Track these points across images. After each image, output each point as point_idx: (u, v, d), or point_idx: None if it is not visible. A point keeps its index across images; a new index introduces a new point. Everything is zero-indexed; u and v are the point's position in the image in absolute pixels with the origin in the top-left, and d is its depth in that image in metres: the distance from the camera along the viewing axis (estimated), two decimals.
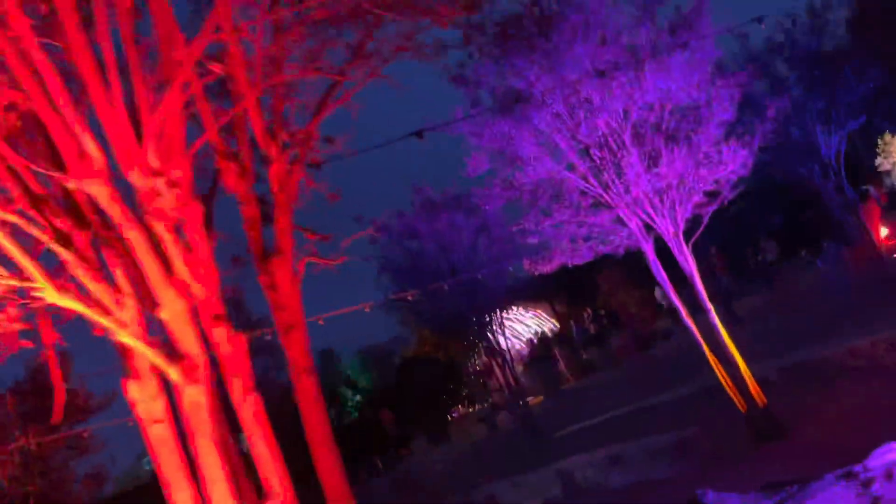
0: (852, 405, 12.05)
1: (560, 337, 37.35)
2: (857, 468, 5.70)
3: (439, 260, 21.64)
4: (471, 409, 38.71)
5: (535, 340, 36.86)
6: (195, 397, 4.67)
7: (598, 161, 11.97)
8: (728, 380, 12.18)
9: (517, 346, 38.47)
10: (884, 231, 26.73)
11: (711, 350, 12.58)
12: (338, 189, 7.80)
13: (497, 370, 24.69)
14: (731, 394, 12.14)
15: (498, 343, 24.18)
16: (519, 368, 35.00)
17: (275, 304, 6.46)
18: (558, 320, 41.06)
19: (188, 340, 4.77)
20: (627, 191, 11.67)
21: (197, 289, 4.89)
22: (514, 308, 38.27)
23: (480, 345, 25.01)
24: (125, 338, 4.73)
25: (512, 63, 11.56)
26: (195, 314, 4.85)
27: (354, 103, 7.69)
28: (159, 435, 4.63)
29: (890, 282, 18.38)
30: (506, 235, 18.94)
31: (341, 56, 7.56)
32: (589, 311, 38.42)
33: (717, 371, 12.24)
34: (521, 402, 23.43)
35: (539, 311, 40.87)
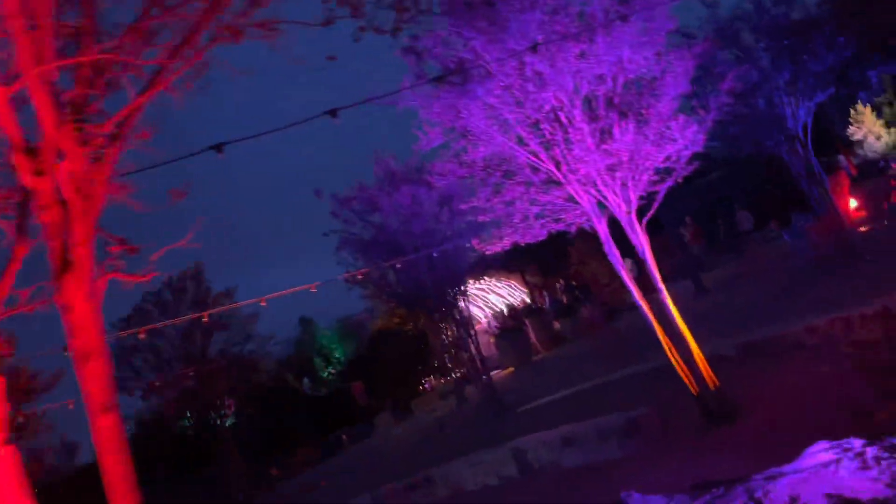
0: (806, 385, 11.92)
1: (532, 308, 37.17)
2: (773, 474, 5.43)
3: (400, 233, 21.14)
4: (442, 381, 38.63)
5: (507, 312, 36.67)
6: None
7: (549, 136, 11.52)
8: (680, 361, 11.95)
9: (489, 317, 38.28)
10: (853, 202, 26.53)
11: (667, 330, 12.32)
12: (184, 184, 6.99)
13: (466, 342, 24.39)
14: (683, 376, 11.92)
15: (464, 315, 23.86)
16: (490, 340, 34.83)
17: (69, 328, 5.64)
18: (530, 291, 40.88)
19: None
20: (577, 168, 11.24)
21: None
22: (486, 279, 38.00)
23: (449, 317, 24.66)
24: None
25: (457, 33, 11.00)
26: None
27: (175, 92, 6.86)
28: None
29: (852, 256, 18.23)
30: (467, 209, 18.50)
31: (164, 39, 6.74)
32: (561, 281, 38.24)
33: (668, 353, 11.99)
34: (483, 376, 23.20)
35: (512, 281, 40.64)
